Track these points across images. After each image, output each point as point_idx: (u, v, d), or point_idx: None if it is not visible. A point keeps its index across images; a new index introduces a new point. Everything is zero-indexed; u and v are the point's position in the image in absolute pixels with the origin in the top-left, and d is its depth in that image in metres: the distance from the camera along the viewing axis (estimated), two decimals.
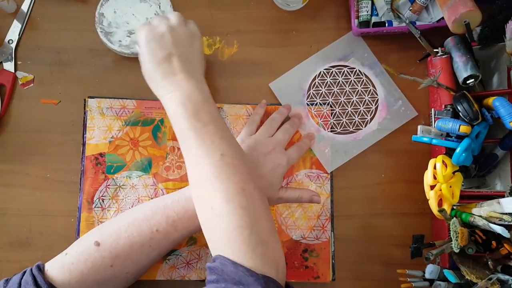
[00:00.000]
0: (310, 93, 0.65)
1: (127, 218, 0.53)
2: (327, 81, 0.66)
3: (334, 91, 0.66)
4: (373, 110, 0.65)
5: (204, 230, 0.48)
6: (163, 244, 0.53)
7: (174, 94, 0.51)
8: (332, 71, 0.66)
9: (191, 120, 0.50)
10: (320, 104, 0.65)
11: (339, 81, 0.66)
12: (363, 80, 0.66)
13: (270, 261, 0.44)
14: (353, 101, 0.65)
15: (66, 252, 0.51)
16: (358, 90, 0.65)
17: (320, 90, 0.65)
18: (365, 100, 0.65)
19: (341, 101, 0.65)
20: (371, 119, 0.65)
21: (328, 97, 0.65)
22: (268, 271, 0.43)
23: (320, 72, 0.66)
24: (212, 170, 0.47)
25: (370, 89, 0.65)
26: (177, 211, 0.53)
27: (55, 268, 0.49)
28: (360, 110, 0.65)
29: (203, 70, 0.56)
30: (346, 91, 0.65)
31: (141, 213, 0.53)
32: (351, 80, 0.66)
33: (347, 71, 0.66)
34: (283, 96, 0.65)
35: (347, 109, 0.65)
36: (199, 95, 0.51)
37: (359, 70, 0.66)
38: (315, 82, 0.66)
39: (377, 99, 0.65)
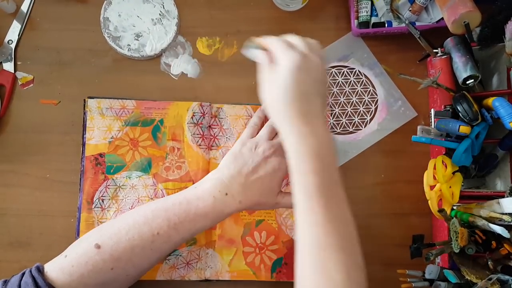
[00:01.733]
0: None
1: (128, 221, 0.52)
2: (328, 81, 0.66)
3: (334, 92, 0.66)
4: (372, 110, 0.65)
5: None
6: (164, 247, 0.53)
7: (306, 140, 0.46)
8: (332, 72, 0.66)
9: (319, 178, 0.45)
10: None
11: (339, 82, 0.66)
12: (362, 81, 0.66)
13: None
14: (353, 101, 0.65)
15: (66, 254, 0.51)
16: (358, 91, 0.66)
17: None
18: (365, 100, 0.65)
19: (341, 102, 0.65)
20: (371, 119, 0.65)
21: (328, 98, 0.65)
22: None
23: None
24: (338, 239, 0.44)
25: (370, 90, 0.66)
26: (178, 214, 0.53)
27: (54, 270, 0.49)
28: (360, 111, 0.65)
29: None
30: (346, 91, 0.66)
31: (142, 216, 0.53)
32: (351, 81, 0.66)
33: (346, 72, 0.66)
34: None
35: (346, 109, 0.65)
36: (331, 147, 0.47)
37: (358, 71, 0.66)
38: None
39: (377, 100, 0.65)
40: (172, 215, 0.52)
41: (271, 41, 0.50)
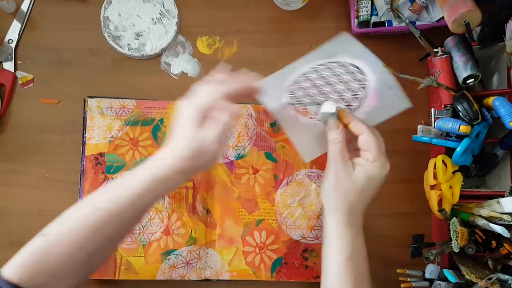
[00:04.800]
0: (292, 89, 0.62)
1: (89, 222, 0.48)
2: (312, 77, 0.61)
3: (318, 84, 0.60)
4: (361, 98, 0.61)
5: None
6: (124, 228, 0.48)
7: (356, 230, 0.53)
8: (319, 68, 0.61)
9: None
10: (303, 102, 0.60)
11: (325, 75, 0.61)
12: (351, 70, 0.61)
13: None
14: (339, 90, 0.61)
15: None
16: (345, 80, 0.60)
17: (305, 85, 0.61)
18: (352, 88, 0.60)
19: (326, 91, 0.60)
20: (359, 107, 0.61)
21: (313, 90, 0.60)
22: None
23: (306, 71, 0.62)
24: None
25: (359, 77, 0.61)
26: (129, 221, 0.47)
27: (7, 268, 0.46)
28: (345, 98, 0.60)
29: None
30: (331, 82, 0.61)
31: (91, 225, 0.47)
32: (338, 72, 0.61)
33: (335, 65, 0.61)
34: (264, 95, 0.60)
35: (332, 98, 0.60)
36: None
37: (347, 62, 0.61)
38: (299, 79, 0.61)
39: (367, 87, 0.61)
40: (123, 221, 0.47)
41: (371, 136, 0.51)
